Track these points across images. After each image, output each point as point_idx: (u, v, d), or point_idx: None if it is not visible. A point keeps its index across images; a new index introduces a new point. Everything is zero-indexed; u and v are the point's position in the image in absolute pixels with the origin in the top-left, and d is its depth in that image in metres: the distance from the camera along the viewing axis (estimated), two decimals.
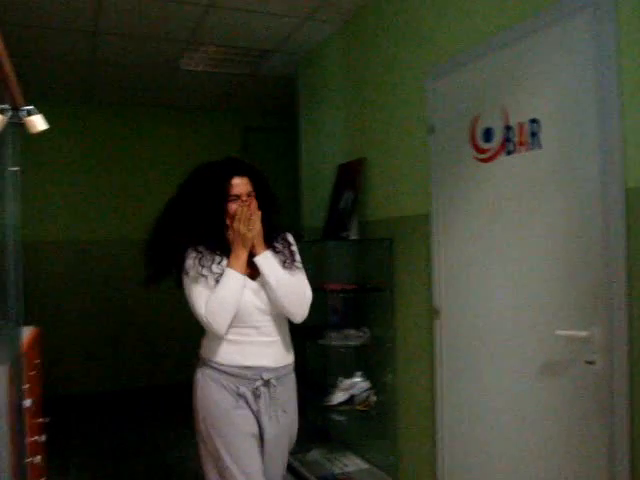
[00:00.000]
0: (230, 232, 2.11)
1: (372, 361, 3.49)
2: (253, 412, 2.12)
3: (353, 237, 3.48)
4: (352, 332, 3.39)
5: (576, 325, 2.14)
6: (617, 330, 2.00)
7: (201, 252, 2.11)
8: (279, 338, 2.19)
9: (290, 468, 3.36)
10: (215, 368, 2.12)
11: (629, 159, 1.95)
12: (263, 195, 2.20)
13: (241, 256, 2.08)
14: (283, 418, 2.18)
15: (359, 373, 3.36)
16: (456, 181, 2.75)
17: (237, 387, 2.10)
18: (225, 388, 2.10)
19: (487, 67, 2.54)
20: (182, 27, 3.89)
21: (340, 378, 3.36)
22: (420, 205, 3.01)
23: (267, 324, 2.15)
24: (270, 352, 2.15)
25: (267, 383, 2.12)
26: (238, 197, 2.12)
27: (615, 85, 1.98)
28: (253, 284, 2.13)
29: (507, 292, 2.47)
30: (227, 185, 2.10)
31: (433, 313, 2.91)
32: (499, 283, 2.52)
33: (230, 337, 2.10)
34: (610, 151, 2.00)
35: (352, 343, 3.36)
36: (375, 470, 3.51)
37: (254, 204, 2.14)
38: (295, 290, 2.15)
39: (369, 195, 3.51)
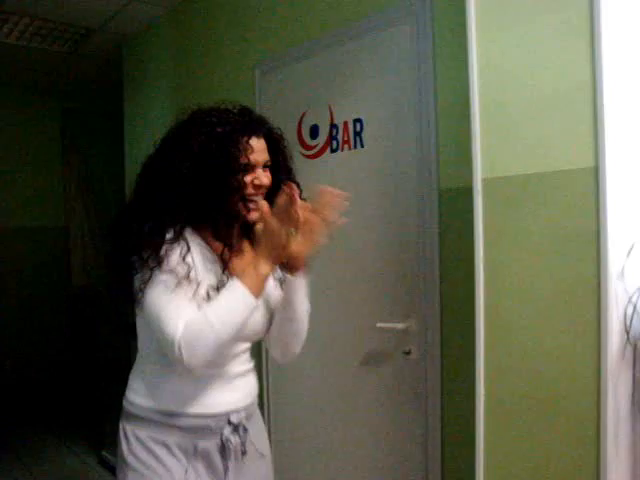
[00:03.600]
0: (258, 229, 1.36)
1: None
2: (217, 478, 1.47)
3: None
4: None
5: (395, 318, 2.25)
6: (430, 322, 2.13)
7: (187, 241, 1.37)
8: (253, 363, 1.60)
9: None
10: (157, 422, 1.42)
11: (443, 162, 2.07)
12: (279, 170, 1.51)
13: (264, 271, 1.33)
14: (262, 467, 1.59)
15: None
16: None
17: (194, 446, 1.43)
18: (171, 452, 1.42)
19: (315, 65, 2.58)
20: None
21: None
22: None
23: (247, 350, 1.54)
24: (242, 385, 1.52)
25: (237, 428, 1.48)
26: (252, 168, 1.40)
27: (431, 90, 2.10)
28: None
29: (329, 287, 2.53)
30: (244, 148, 1.38)
31: None
32: (321, 278, 2.57)
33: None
34: (426, 153, 2.12)
35: None
36: None
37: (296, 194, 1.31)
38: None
39: None
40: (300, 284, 1.45)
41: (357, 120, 2.36)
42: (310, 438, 2.68)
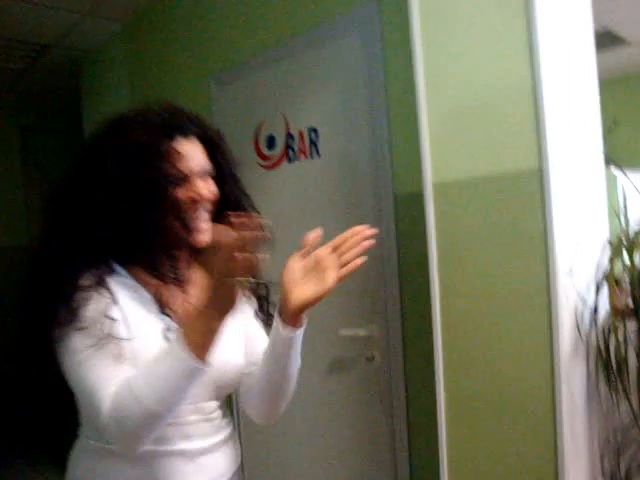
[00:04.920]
0: (214, 262, 0.98)
1: None
2: None
3: None
4: None
5: (357, 324, 2.27)
6: (392, 328, 2.15)
7: (108, 287, 1.06)
8: (230, 429, 1.25)
9: None
10: None
11: (397, 168, 2.10)
12: (224, 180, 1.19)
13: (212, 325, 0.98)
14: None
15: None
16: None
17: None
18: None
19: (269, 76, 2.59)
20: None
21: None
22: None
23: (214, 410, 1.18)
24: (210, 464, 1.17)
25: None
26: (186, 178, 1.10)
27: (383, 98, 2.13)
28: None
29: None
30: (168, 154, 1.08)
31: None
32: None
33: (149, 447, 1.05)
34: (381, 159, 2.14)
35: None
36: None
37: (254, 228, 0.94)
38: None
39: None
40: (297, 340, 1.09)
41: (312, 129, 2.38)
42: (278, 447, 2.67)
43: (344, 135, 2.28)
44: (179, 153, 1.09)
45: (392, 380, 2.17)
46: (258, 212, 1.23)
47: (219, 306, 0.97)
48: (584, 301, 1.63)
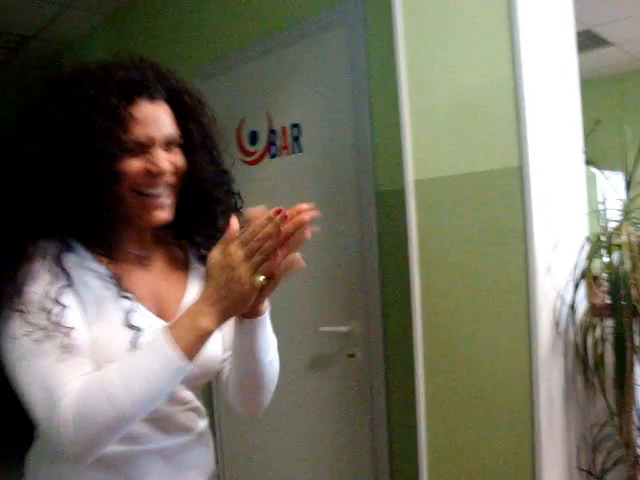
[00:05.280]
0: (212, 259, 0.87)
1: None
2: None
3: None
4: None
5: (338, 321, 2.27)
6: (373, 324, 2.16)
7: (59, 263, 0.92)
8: (206, 422, 1.13)
9: None
10: None
11: (379, 165, 2.10)
12: (194, 151, 1.03)
13: (206, 326, 0.86)
14: None
15: None
16: None
17: None
18: None
19: (253, 71, 2.58)
20: None
21: None
22: None
23: (188, 403, 1.06)
24: (183, 463, 1.05)
25: None
26: (142, 147, 0.95)
27: (366, 94, 2.12)
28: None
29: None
30: (123, 117, 0.93)
31: None
32: None
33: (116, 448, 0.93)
34: (363, 156, 2.14)
35: None
36: None
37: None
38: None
39: None
40: (261, 330, 0.98)
41: (295, 125, 2.38)
42: (258, 444, 2.66)
43: (327, 131, 2.28)
44: (135, 118, 0.93)
45: (373, 376, 2.18)
46: (235, 192, 1.13)
47: (225, 305, 0.86)
48: (562, 299, 1.64)
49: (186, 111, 1.03)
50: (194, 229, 1.09)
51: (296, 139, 2.37)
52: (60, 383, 0.85)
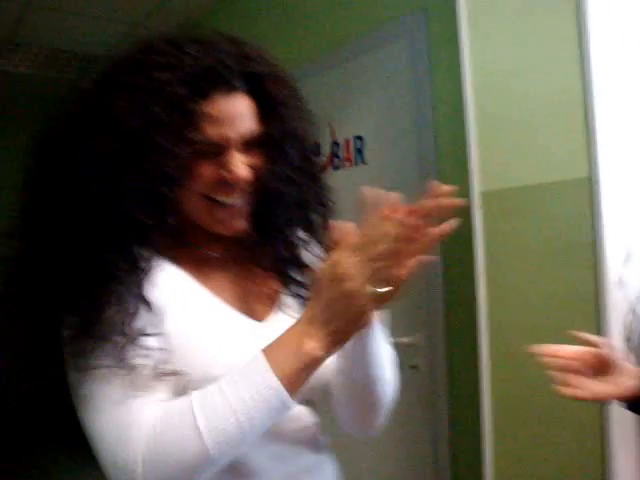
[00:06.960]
0: (321, 272, 0.73)
1: None
2: None
3: None
4: None
5: (400, 332, 2.26)
6: (436, 336, 2.14)
7: (158, 286, 0.81)
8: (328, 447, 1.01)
9: None
10: None
11: (443, 176, 2.10)
12: (280, 153, 0.88)
13: (315, 352, 0.71)
14: None
15: None
16: None
17: None
18: None
19: (315, 84, 2.61)
20: None
21: None
22: None
23: (310, 414, 0.96)
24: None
25: None
26: (220, 149, 0.81)
27: (429, 105, 2.13)
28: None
29: None
30: (192, 112, 0.78)
31: None
32: None
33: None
34: (427, 168, 2.14)
35: None
36: None
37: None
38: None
39: None
40: (369, 342, 0.85)
41: (358, 137, 2.40)
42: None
43: (390, 143, 2.29)
44: (207, 114, 0.78)
45: (435, 389, 2.16)
46: (328, 197, 1.00)
47: (336, 326, 0.70)
48: (634, 312, 1.60)
49: (274, 103, 0.86)
50: (274, 234, 0.94)
51: (359, 151, 2.40)
52: (146, 418, 0.72)
